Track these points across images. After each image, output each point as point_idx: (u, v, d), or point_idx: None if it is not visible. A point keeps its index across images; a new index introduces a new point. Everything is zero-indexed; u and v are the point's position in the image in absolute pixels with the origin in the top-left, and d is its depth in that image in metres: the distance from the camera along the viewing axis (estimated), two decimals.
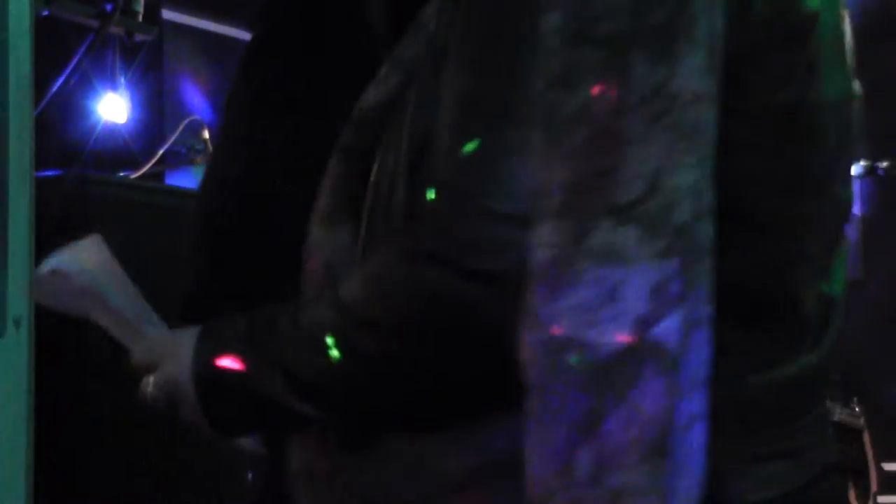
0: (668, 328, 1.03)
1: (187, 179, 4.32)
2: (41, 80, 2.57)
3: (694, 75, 1.06)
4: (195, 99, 5.34)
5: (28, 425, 2.13)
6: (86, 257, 1.50)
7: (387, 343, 1.22)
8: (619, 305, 1.03)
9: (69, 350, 2.41)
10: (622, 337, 1.04)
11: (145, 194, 2.76)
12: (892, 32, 6.11)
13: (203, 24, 5.66)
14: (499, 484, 1.18)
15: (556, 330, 1.04)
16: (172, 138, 4.27)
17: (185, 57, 5.37)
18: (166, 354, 1.40)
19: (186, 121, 4.26)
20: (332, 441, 1.32)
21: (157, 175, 4.25)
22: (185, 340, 1.39)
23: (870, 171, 6.51)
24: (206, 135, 4.21)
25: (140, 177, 3.91)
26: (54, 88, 3.71)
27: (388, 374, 1.24)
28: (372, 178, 1.31)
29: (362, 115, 1.37)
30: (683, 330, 1.04)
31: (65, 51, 3.85)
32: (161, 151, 4.28)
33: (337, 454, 1.31)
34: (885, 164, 6.48)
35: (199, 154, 4.21)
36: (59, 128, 4.10)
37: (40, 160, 2.46)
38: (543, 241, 1.06)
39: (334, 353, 1.24)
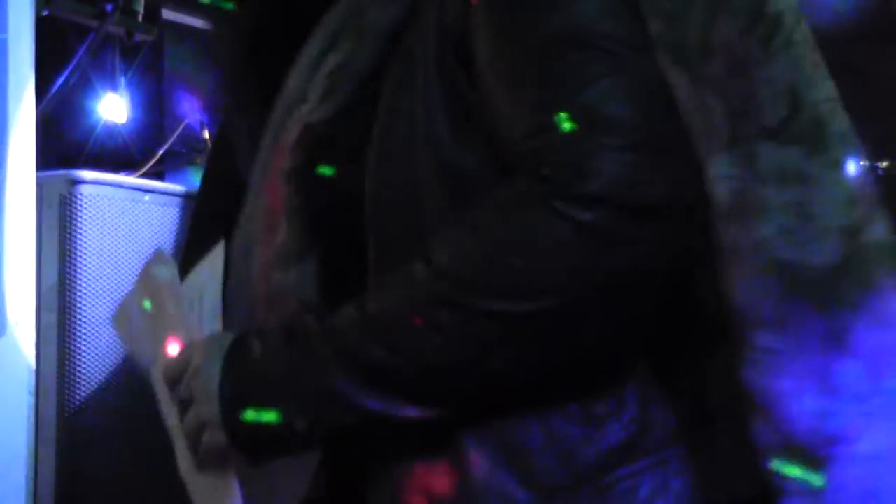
0: (876, 231, 1.09)
1: (187, 179, 4.32)
2: (41, 80, 2.57)
3: None
4: (195, 99, 5.33)
5: (28, 425, 2.13)
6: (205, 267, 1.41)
7: (543, 301, 1.10)
8: (816, 223, 1.06)
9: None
10: (834, 252, 1.06)
11: (145, 194, 2.76)
12: (892, 32, 6.10)
13: (203, 25, 5.65)
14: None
15: (770, 259, 1.05)
16: (172, 138, 4.27)
17: (185, 57, 5.37)
18: (199, 389, 1.28)
19: (186, 121, 4.26)
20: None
21: (157, 175, 4.25)
22: (213, 372, 1.26)
23: (870, 171, 6.49)
24: (207, 135, 4.20)
25: (140, 177, 3.91)
26: (54, 88, 3.71)
27: (543, 340, 1.12)
28: (372, 188, 1.26)
29: (312, 132, 1.29)
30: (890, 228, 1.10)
31: (65, 51, 3.85)
32: (161, 151, 4.27)
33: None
34: (885, 164, 6.47)
35: (199, 154, 4.21)
36: (59, 128, 4.09)
37: (40, 160, 2.46)
38: (721, 174, 1.08)
39: (455, 329, 1.11)
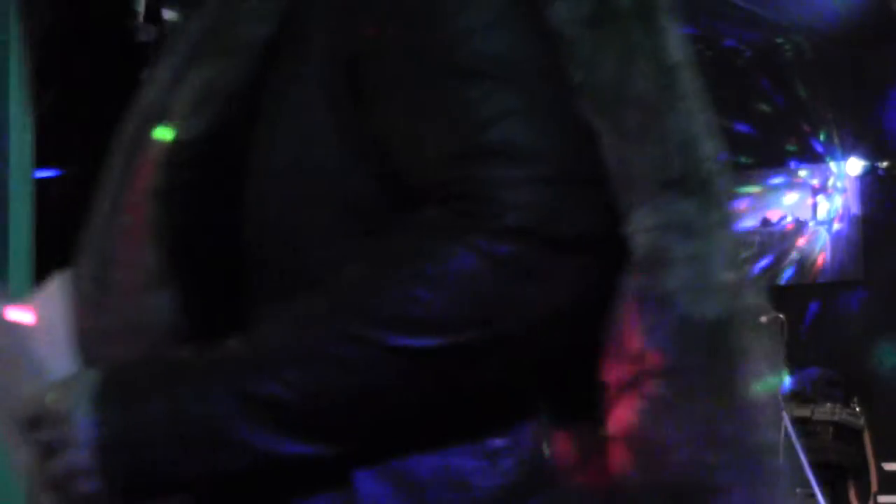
0: (749, 293, 1.11)
1: None
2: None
3: (677, 44, 1.14)
4: None
5: None
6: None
7: (455, 336, 1.08)
8: (711, 278, 1.09)
9: None
10: (723, 307, 1.09)
11: None
12: (892, 32, 6.11)
13: None
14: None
15: (673, 312, 1.08)
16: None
17: None
18: (65, 434, 1.17)
19: None
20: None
21: None
22: (82, 414, 1.17)
23: (870, 172, 6.52)
24: None
25: None
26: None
27: (455, 373, 1.10)
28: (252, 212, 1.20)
29: (181, 149, 1.21)
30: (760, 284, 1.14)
31: None
32: None
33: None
34: (885, 164, 6.49)
35: None
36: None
37: (40, 160, 2.46)
38: (638, 226, 1.08)
39: (360, 362, 1.09)
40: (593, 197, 1.06)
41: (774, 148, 6.75)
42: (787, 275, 6.72)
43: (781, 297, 6.11)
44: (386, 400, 1.10)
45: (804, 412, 5.62)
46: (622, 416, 1.09)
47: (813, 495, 5.02)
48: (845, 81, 6.43)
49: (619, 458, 1.11)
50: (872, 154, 6.25)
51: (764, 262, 6.81)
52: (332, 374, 1.08)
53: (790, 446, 4.72)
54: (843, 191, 6.54)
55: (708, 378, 1.09)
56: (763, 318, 1.13)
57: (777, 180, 6.79)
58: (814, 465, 4.90)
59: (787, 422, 4.77)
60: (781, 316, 4.82)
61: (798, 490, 5.52)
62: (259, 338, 1.13)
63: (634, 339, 1.07)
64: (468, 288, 1.06)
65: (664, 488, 1.08)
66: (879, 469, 5.82)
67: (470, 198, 1.07)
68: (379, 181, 1.12)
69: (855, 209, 6.52)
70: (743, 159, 6.97)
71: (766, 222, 6.81)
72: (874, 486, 5.84)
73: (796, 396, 5.85)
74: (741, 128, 6.94)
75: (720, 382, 1.09)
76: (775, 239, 6.79)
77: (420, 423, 1.10)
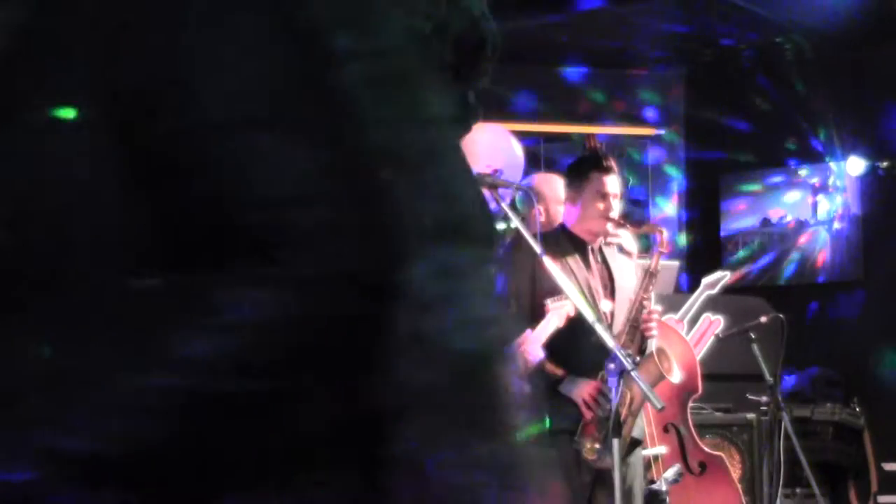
0: (498, 328, 1.23)
1: None
2: None
3: (441, 101, 1.24)
4: None
5: None
6: None
7: (251, 382, 1.12)
8: (468, 314, 1.18)
9: None
10: (479, 341, 1.20)
11: None
12: (892, 32, 6.11)
13: None
14: None
15: (434, 348, 1.17)
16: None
17: None
18: None
19: None
20: None
21: None
22: None
23: (870, 171, 6.52)
24: None
25: None
26: None
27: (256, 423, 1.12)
28: None
29: None
30: None
31: None
32: None
33: None
34: (885, 164, 6.49)
35: None
36: None
37: None
38: (409, 271, 1.17)
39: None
40: (373, 245, 1.12)
41: (774, 147, 6.76)
42: (787, 274, 6.73)
43: (781, 297, 6.12)
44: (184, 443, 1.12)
45: (804, 412, 5.62)
46: (395, 442, 1.17)
47: (813, 495, 5.03)
48: (845, 81, 6.44)
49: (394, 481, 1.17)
50: (872, 154, 6.25)
51: (764, 262, 6.82)
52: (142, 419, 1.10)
53: (790, 446, 4.73)
54: (843, 190, 6.54)
55: (468, 406, 1.17)
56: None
57: (777, 179, 6.80)
58: (814, 465, 4.90)
59: (786, 422, 4.78)
60: (781, 316, 4.83)
61: (798, 490, 5.54)
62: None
63: (402, 371, 1.13)
64: (267, 334, 1.10)
65: None
66: (879, 469, 5.82)
67: (257, 242, 1.10)
68: (161, 220, 1.13)
69: (855, 209, 6.52)
70: (743, 158, 6.99)
71: (766, 222, 6.82)
72: (874, 486, 5.84)
73: (796, 396, 5.86)
74: (741, 127, 6.95)
75: (480, 411, 1.17)
76: (776, 238, 6.79)
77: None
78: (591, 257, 3.82)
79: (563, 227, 3.87)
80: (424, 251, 1.14)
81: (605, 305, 3.72)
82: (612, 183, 3.80)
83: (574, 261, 3.76)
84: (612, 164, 3.87)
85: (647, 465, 4.18)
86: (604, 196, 3.77)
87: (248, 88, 1.13)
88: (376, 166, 1.13)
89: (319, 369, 1.11)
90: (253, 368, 1.09)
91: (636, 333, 3.77)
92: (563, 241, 3.79)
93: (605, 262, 3.85)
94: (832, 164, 6.58)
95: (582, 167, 3.89)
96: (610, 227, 3.80)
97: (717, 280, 5.21)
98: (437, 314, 1.15)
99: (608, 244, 3.93)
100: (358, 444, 1.15)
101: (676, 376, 4.04)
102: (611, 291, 3.79)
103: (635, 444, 3.78)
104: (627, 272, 3.86)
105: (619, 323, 3.75)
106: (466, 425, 1.18)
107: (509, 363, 1.23)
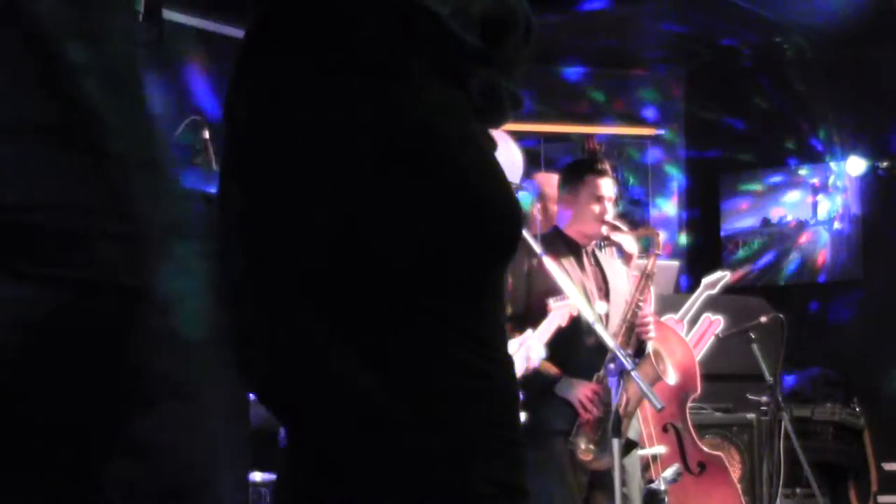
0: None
1: (187, 179, 4.32)
2: None
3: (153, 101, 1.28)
4: (195, 98, 5.33)
5: None
6: None
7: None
8: (202, 307, 1.28)
9: None
10: (204, 330, 1.29)
11: None
12: (892, 32, 6.11)
13: (204, 24, 5.66)
14: None
15: (177, 338, 1.27)
16: (172, 138, 4.27)
17: (185, 57, 5.37)
18: None
19: (186, 120, 4.27)
20: None
21: None
22: None
23: (870, 172, 6.52)
24: (206, 134, 4.21)
25: None
26: None
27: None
28: None
29: None
30: None
31: None
32: None
33: None
34: (885, 164, 6.48)
35: (198, 154, 4.21)
36: None
37: None
38: (151, 273, 1.23)
39: None
40: (122, 247, 1.16)
41: (774, 147, 6.76)
42: (787, 274, 6.73)
43: (781, 297, 6.11)
44: None
45: (804, 412, 5.62)
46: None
47: (813, 495, 5.03)
48: (845, 81, 6.44)
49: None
50: (872, 154, 6.25)
51: (764, 262, 6.82)
52: None
53: (790, 446, 4.73)
54: (844, 190, 6.54)
55: (204, 391, 1.25)
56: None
57: (777, 179, 6.80)
58: (814, 465, 4.90)
59: (786, 422, 4.78)
60: (781, 316, 4.83)
61: (798, 490, 5.53)
62: None
63: (156, 364, 1.18)
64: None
65: (172, 491, 1.20)
66: (879, 469, 5.81)
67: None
68: None
69: (855, 209, 6.52)
70: (743, 158, 6.99)
71: (766, 222, 6.81)
72: (874, 486, 5.84)
73: (796, 396, 5.86)
74: (741, 126, 6.95)
75: (214, 395, 1.25)
76: (776, 238, 6.79)
77: None
78: (585, 259, 3.82)
79: (556, 229, 3.88)
80: (166, 250, 1.21)
81: (601, 307, 3.72)
82: (607, 186, 3.80)
83: (569, 262, 3.76)
84: (608, 167, 3.88)
85: (646, 464, 4.18)
86: (598, 199, 3.77)
87: None
88: (120, 168, 1.17)
89: (52, 371, 1.13)
90: None
91: (632, 335, 3.77)
92: (558, 243, 3.79)
93: (598, 264, 3.85)
94: (832, 164, 6.58)
95: (577, 170, 3.90)
96: (604, 229, 3.81)
97: (717, 280, 5.22)
98: (175, 308, 1.22)
99: (609, 246, 3.93)
100: (83, 441, 1.16)
101: (671, 378, 4.04)
102: (605, 293, 3.79)
103: (631, 445, 3.78)
104: (620, 275, 3.86)
105: (615, 324, 3.74)
106: (209, 415, 1.24)
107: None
